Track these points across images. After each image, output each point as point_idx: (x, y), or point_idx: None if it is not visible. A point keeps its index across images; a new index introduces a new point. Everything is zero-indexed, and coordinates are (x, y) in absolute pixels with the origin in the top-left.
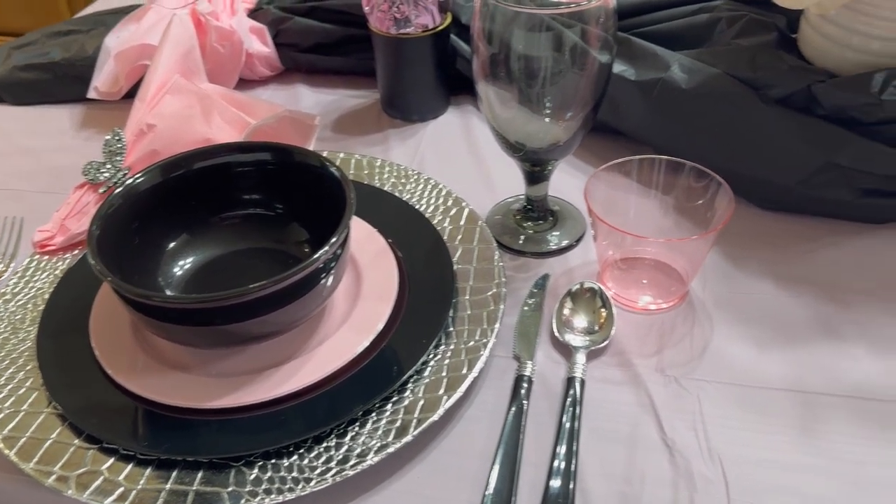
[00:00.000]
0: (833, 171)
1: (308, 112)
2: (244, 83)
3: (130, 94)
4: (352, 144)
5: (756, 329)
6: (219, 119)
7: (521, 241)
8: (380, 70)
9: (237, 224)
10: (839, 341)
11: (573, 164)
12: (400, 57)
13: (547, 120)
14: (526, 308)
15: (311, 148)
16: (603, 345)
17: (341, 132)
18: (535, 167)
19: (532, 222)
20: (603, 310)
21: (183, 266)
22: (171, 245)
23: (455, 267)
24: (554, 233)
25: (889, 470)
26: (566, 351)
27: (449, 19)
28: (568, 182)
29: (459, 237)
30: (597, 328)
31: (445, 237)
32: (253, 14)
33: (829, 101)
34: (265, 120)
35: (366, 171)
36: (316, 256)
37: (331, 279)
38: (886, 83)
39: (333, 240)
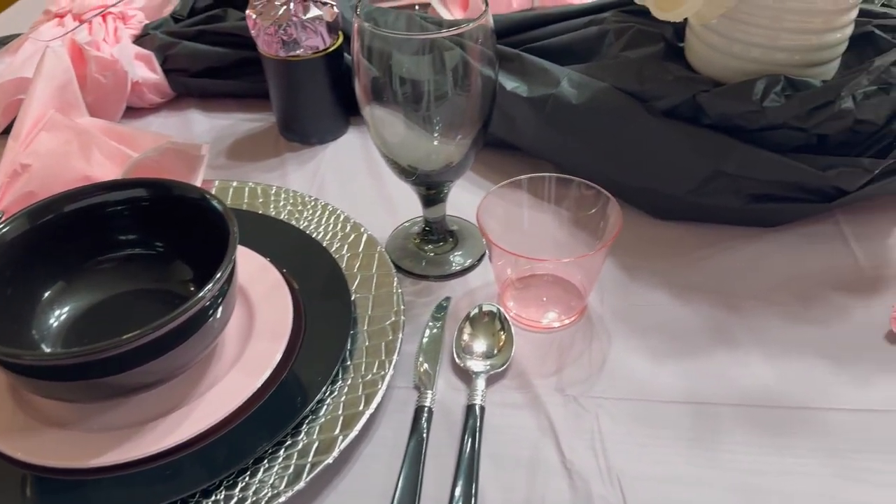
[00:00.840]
0: (721, 178)
1: (195, 141)
2: (134, 112)
3: (7, 132)
4: (248, 171)
5: (652, 340)
6: (98, 155)
7: (422, 265)
8: (273, 94)
9: (117, 266)
10: (733, 348)
11: (473, 180)
12: (292, 80)
13: (436, 142)
14: (427, 335)
15: (200, 178)
16: (502, 368)
17: (237, 159)
18: (431, 190)
19: (432, 244)
20: (502, 332)
21: (60, 316)
22: (47, 294)
23: (353, 296)
24: (455, 254)
25: (785, 478)
26: (467, 377)
27: (340, 39)
28: (468, 200)
29: (358, 264)
30: (496, 351)
31: (343, 265)
32: (139, 40)
33: (714, 109)
34: (146, 153)
35: (260, 200)
36: (194, 300)
37: (216, 321)
38: (767, 90)
39: (216, 277)
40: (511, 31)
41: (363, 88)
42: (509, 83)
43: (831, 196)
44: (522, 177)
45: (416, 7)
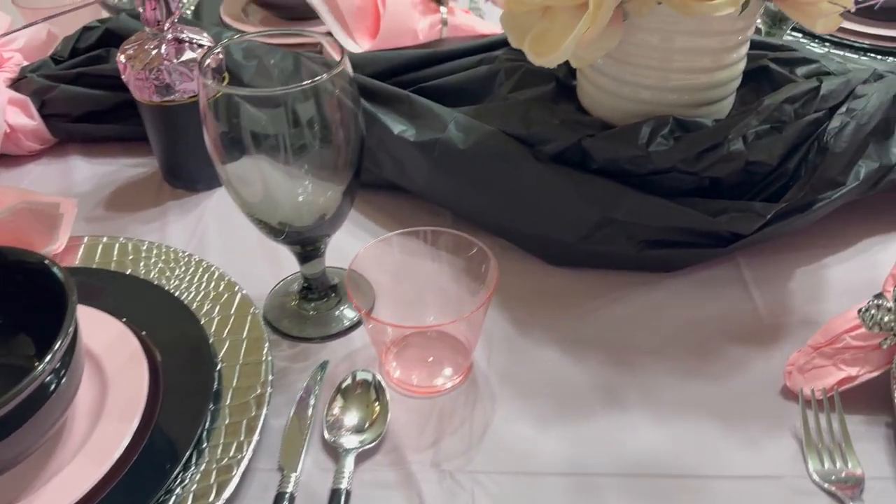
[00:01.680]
0: (611, 225)
1: (61, 197)
2: (11, 160)
3: None
4: (127, 223)
5: (538, 403)
6: None
7: (302, 325)
8: (152, 140)
9: None
10: (623, 411)
11: (362, 225)
12: (169, 126)
13: (301, 198)
14: (296, 407)
15: (62, 237)
16: (374, 443)
17: (117, 209)
18: (307, 247)
19: (313, 302)
20: (377, 403)
21: None
22: None
23: (219, 366)
24: (339, 309)
25: None
26: (337, 454)
27: (226, 80)
28: (354, 247)
29: (228, 328)
30: (369, 424)
31: (213, 329)
32: (15, 84)
33: (601, 154)
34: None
35: (131, 257)
36: (28, 379)
37: (56, 400)
38: (654, 133)
39: (52, 352)
40: (404, 70)
41: (213, 144)
42: (397, 126)
43: (728, 240)
44: (392, 234)
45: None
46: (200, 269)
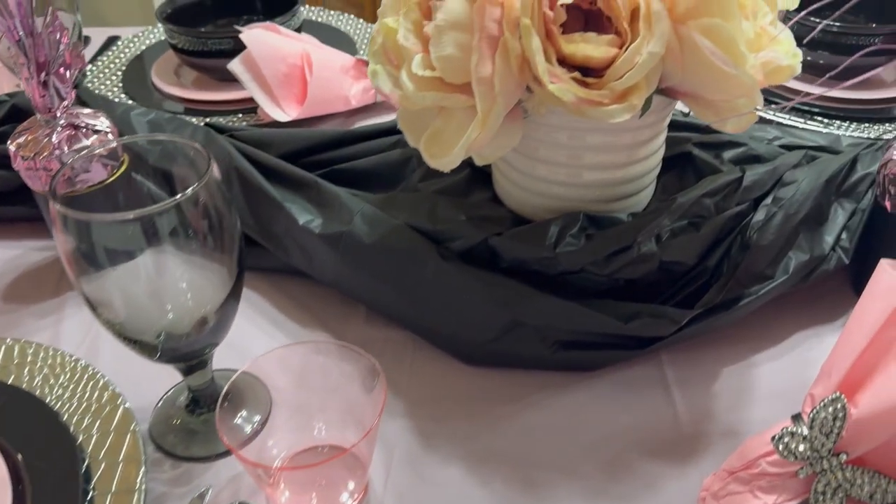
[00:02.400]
0: (521, 327)
1: None
2: None
3: None
4: (21, 316)
5: None
6: None
7: (188, 442)
8: (52, 228)
9: None
10: None
11: (267, 313)
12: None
13: (171, 316)
14: None
15: None
16: None
17: (13, 299)
18: (190, 360)
19: (202, 416)
20: None
21: None
22: None
23: (90, 494)
24: (231, 422)
25: None
26: None
27: (126, 164)
28: (257, 340)
29: (106, 449)
30: None
31: (90, 449)
32: None
33: (508, 254)
34: None
35: (16, 361)
36: None
37: None
38: (563, 233)
39: None
40: (320, 149)
41: (66, 259)
42: (303, 216)
43: (646, 341)
44: (273, 351)
45: (240, 115)
46: (86, 377)
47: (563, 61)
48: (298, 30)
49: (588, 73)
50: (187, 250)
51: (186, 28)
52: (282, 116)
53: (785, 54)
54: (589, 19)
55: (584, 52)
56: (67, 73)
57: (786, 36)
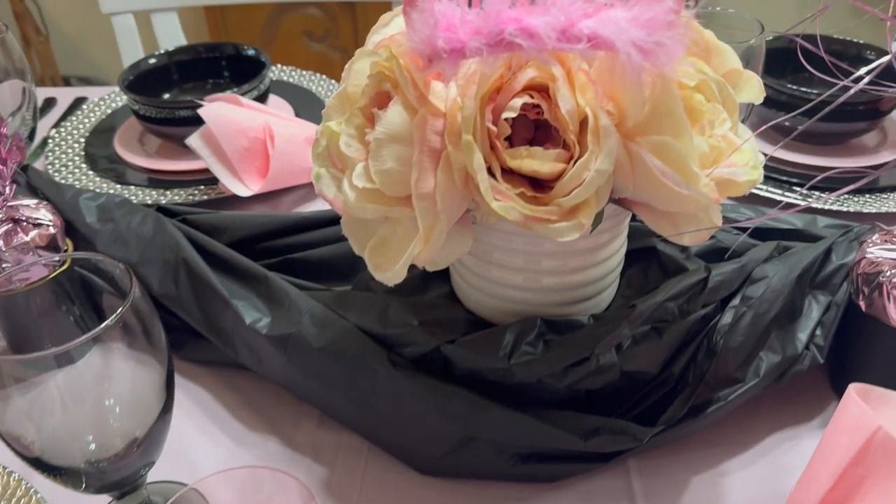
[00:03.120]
0: (476, 441)
1: None
2: None
3: None
4: None
5: None
6: None
7: None
8: None
9: None
10: None
11: (215, 415)
12: (8, 316)
13: (93, 446)
14: None
15: None
16: None
17: None
18: (123, 487)
19: None
20: None
21: None
22: None
23: None
24: None
25: None
26: None
27: (67, 263)
28: (203, 448)
29: None
30: None
31: None
32: None
33: (461, 363)
34: None
35: None
36: None
37: None
38: (518, 342)
39: None
40: (275, 234)
41: None
42: (250, 315)
43: (609, 454)
44: (211, 475)
45: (202, 187)
46: (19, 492)
47: (512, 170)
48: (266, 93)
49: (539, 182)
50: (109, 372)
51: (148, 97)
52: (243, 191)
53: (744, 167)
54: (539, 126)
55: (530, 167)
56: (5, 169)
57: (748, 146)
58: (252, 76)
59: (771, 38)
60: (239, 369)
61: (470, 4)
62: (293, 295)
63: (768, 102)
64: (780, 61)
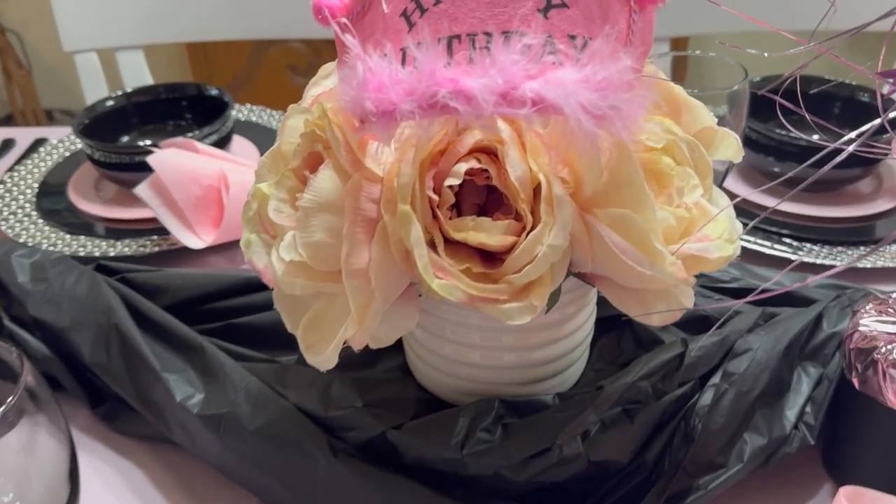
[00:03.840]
0: None
1: None
2: None
3: None
4: None
5: None
6: None
7: None
8: None
9: None
10: None
11: (143, 493)
12: None
13: None
14: None
15: None
16: None
17: None
18: None
19: None
20: None
21: None
22: None
23: None
24: None
25: None
26: None
27: None
28: None
29: None
30: None
31: None
32: None
33: (409, 451)
34: None
35: None
36: None
37: None
38: (473, 428)
39: None
40: (218, 296)
41: None
42: (182, 391)
43: None
44: None
45: (155, 237)
46: None
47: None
48: (229, 135)
49: (491, 253)
50: (2, 468)
51: (103, 141)
52: (195, 243)
53: (718, 241)
54: (493, 189)
55: (477, 239)
56: None
57: (725, 215)
58: (216, 117)
59: (758, 78)
60: (176, 446)
61: (403, 62)
62: (229, 368)
63: (755, 146)
64: (768, 102)
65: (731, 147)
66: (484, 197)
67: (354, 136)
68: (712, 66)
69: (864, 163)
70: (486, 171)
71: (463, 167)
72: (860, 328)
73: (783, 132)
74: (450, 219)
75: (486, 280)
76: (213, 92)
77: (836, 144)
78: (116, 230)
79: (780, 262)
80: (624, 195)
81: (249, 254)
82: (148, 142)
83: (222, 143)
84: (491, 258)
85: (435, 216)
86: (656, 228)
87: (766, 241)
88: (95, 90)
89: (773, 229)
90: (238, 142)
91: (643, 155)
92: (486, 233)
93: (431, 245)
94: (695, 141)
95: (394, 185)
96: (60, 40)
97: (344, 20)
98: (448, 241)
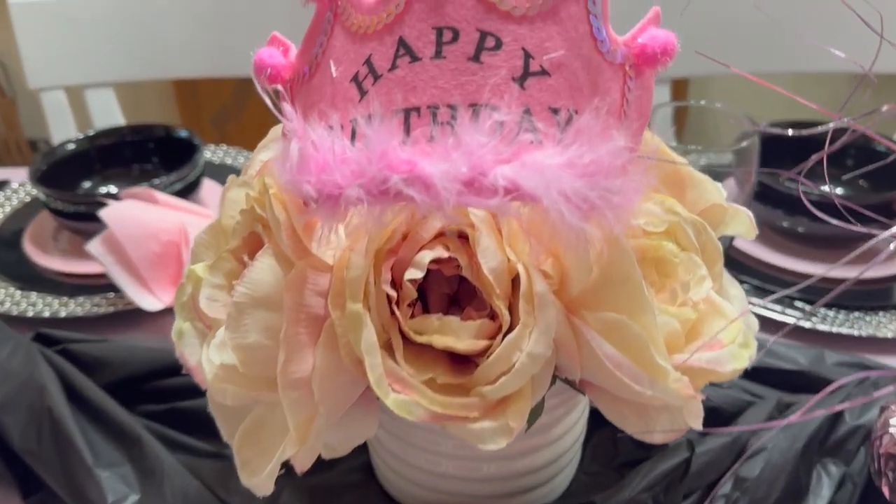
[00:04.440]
0: None
1: None
2: None
3: None
4: None
5: None
6: None
7: None
8: None
9: None
10: None
11: None
12: None
13: None
14: None
15: None
16: None
17: None
18: None
19: None
20: None
21: None
22: None
23: None
24: None
25: None
26: None
27: None
28: None
29: None
30: None
31: None
32: None
33: None
34: None
35: None
36: None
37: None
38: None
39: None
40: (164, 373)
41: None
42: (115, 490)
43: None
44: None
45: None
46: None
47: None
48: (198, 180)
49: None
50: None
51: (59, 190)
52: (152, 304)
53: (731, 346)
54: (464, 279)
55: (443, 343)
56: None
57: (748, 323)
58: (185, 160)
59: (766, 124)
60: None
61: (353, 137)
62: (168, 466)
63: (760, 197)
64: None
65: (742, 225)
66: (455, 285)
67: (300, 217)
68: (716, 115)
69: (882, 216)
70: (454, 259)
71: (427, 256)
72: (890, 429)
73: (793, 185)
74: (412, 316)
75: (454, 392)
76: (183, 134)
77: (884, 235)
78: (71, 286)
79: (793, 330)
80: (618, 296)
81: (181, 346)
82: (112, 187)
83: (190, 189)
84: (461, 360)
85: (393, 313)
86: (657, 337)
87: (777, 305)
88: (63, 129)
89: (780, 289)
90: (209, 187)
91: (641, 241)
92: (454, 336)
93: (388, 348)
94: (701, 222)
95: (344, 276)
96: (26, 76)
97: (280, 88)
98: (410, 341)
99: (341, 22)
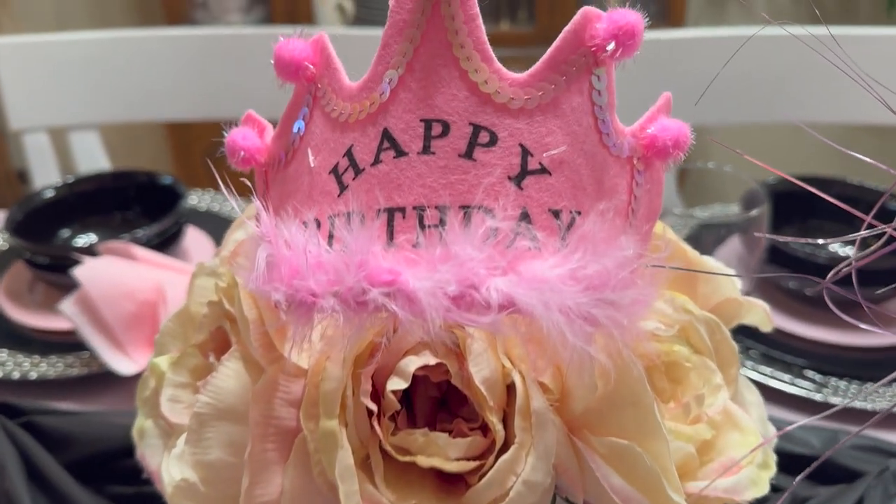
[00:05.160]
0: None
1: None
2: None
3: None
4: None
5: None
6: None
7: None
8: None
9: None
10: None
11: None
12: None
13: None
14: None
15: None
16: None
17: None
18: None
19: None
20: None
21: None
22: None
23: None
24: None
25: None
26: None
27: None
28: None
29: None
30: None
31: None
32: None
33: None
34: None
35: None
36: None
37: None
38: None
39: None
40: (130, 453)
41: None
42: None
43: None
44: None
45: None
46: None
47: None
48: (180, 230)
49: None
50: None
51: (33, 241)
52: (126, 368)
53: (749, 468)
54: (452, 391)
55: (429, 463)
56: None
57: (754, 436)
58: (168, 207)
59: (773, 180)
60: None
61: (330, 240)
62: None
63: (771, 260)
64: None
65: (758, 317)
66: (444, 386)
67: (273, 317)
68: (722, 176)
69: None
70: (443, 364)
71: (412, 364)
72: None
73: (802, 246)
74: (395, 426)
75: None
76: (167, 181)
77: None
78: (44, 343)
79: (803, 404)
80: (626, 419)
81: (142, 446)
82: (92, 235)
83: (172, 240)
84: (449, 477)
85: (373, 428)
86: (669, 468)
87: (786, 374)
88: (45, 172)
89: (788, 358)
90: (193, 235)
91: (651, 346)
92: (442, 456)
93: (367, 467)
94: (715, 320)
95: (318, 387)
96: (8, 118)
97: (247, 182)
98: (391, 459)
99: (321, 106)
